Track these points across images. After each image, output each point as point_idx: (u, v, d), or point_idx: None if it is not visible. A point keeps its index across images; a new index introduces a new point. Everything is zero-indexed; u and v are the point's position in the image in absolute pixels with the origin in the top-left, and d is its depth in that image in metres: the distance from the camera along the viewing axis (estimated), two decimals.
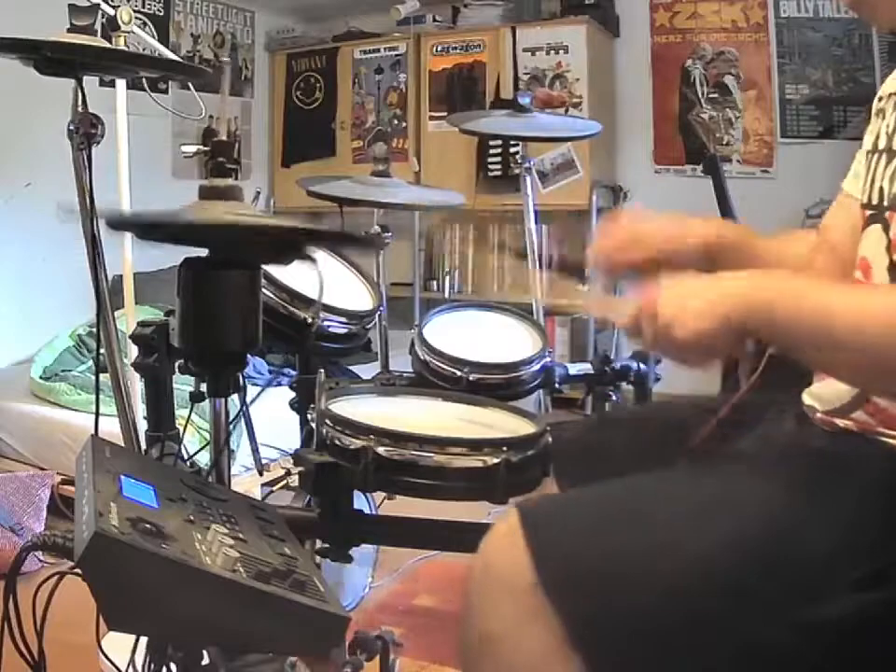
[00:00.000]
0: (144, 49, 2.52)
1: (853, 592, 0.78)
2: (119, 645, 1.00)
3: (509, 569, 0.82)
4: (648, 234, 1.11)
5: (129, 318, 1.90)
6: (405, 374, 1.69)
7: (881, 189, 0.94)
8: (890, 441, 0.87)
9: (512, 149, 3.89)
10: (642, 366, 1.77)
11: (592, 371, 1.78)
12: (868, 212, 0.97)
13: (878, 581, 0.78)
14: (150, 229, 1.05)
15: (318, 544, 1.29)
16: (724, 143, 3.99)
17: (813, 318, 0.80)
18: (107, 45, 1.48)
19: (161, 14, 3.98)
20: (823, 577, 0.79)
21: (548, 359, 1.67)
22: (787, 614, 0.78)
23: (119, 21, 1.67)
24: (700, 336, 0.84)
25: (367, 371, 2.07)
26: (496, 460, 1.12)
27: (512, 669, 0.82)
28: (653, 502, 0.86)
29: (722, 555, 0.80)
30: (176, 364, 1.27)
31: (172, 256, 1.05)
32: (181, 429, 1.37)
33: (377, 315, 1.68)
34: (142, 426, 1.61)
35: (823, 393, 0.96)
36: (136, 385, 1.74)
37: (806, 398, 1.00)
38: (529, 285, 2.34)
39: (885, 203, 0.93)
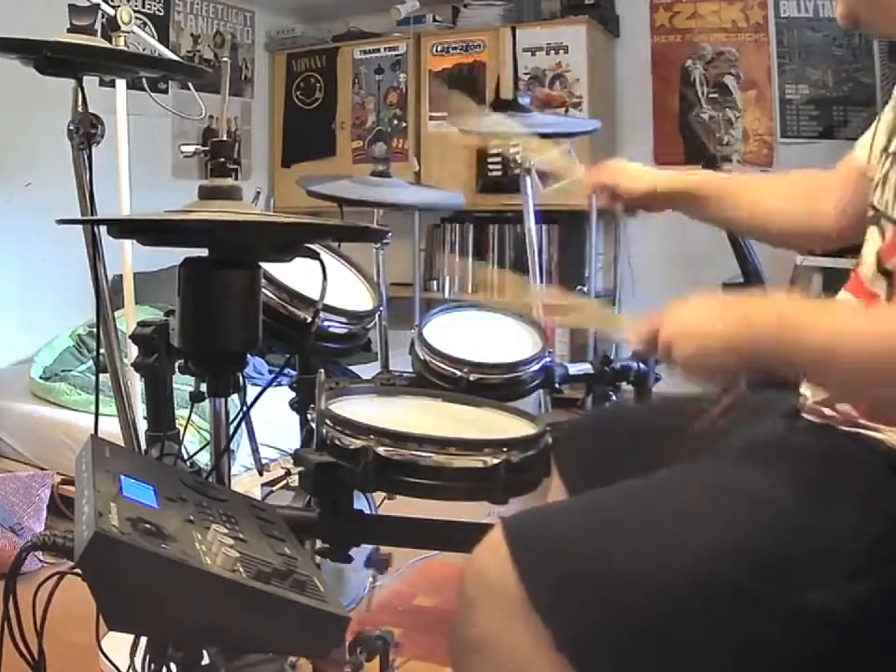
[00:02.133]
0: (144, 49, 2.52)
1: (847, 584, 0.78)
2: (119, 645, 1.00)
3: (497, 581, 0.83)
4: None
5: (129, 318, 1.91)
6: (405, 374, 1.69)
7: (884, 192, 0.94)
8: (872, 433, 0.88)
9: (512, 149, 3.89)
10: (642, 366, 1.77)
11: (592, 371, 1.78)
12: (870, 212, 0.97)
13: (870, 572, 0.78)
14: (152, 234, 1.06)
15: (318, 544, 1.28)
16: (724, 143, 3.99)
17: (817, 349, 0.82)
18: (107, 45, 1.48)
19: (161, 14, 3.98)
20: (818, 572, 0.79)
21: (548, 359, 1.67)
22: (783, 610, 0.78)
23: (119, 21, 1.66)
24: (699, 360, 0.87)
25: (367, 370, 2.07)
26: (496, 460, 1.12)
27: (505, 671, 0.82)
28: (640, 505, 0.87)
29: (715, 553, 0.80)
30: (176, 364, 1.27)
31: (172, 256, 1.05)
32: (181, 429, 1.37)
33: (377, 315, 1.67)
34: (142, 426, 1.61)
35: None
36: (136, 385, 1.73)
37: (802, 387, 1.01)
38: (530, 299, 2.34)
39: (880, 209, 0.94)
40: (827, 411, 0.94)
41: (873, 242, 0.94)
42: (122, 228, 1.15)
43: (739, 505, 0.84)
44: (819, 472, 0.86)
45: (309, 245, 1.09)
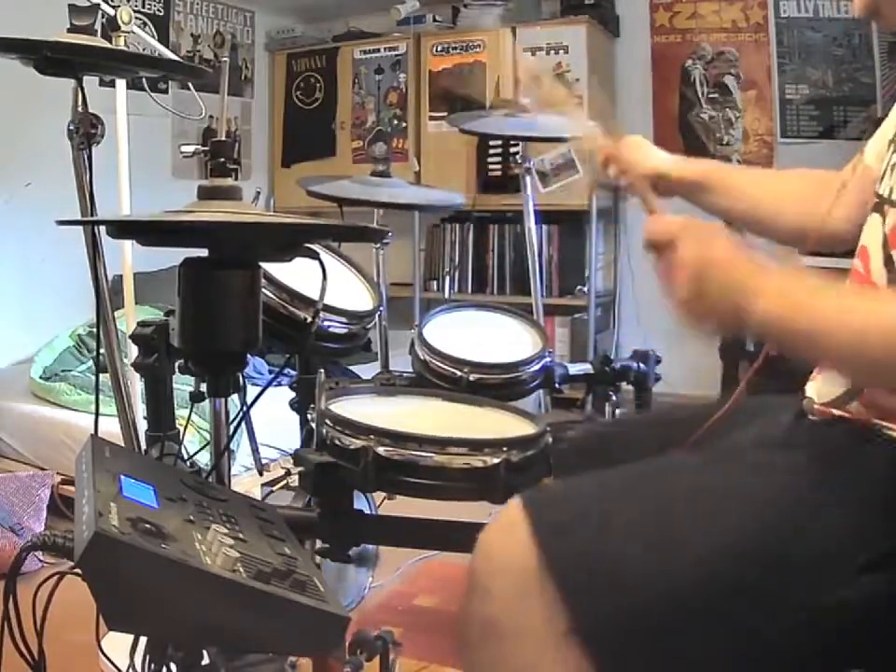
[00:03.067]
0: (144, 49, 2.51)
1: (856, 581, 0.78)
2: (119, 645, 1.00)
3: (510, 554, 0.82)
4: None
5: (129, 318, 1.90)
6: (405, 374, 1.69)
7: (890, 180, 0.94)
8: (887, 430, 0.87)
9: (512, 149, 3.89)
10: (642, 366, 1.77)
11: (592, 371, 1.78)
12: (874, 199, 0.97)
13: (880, 568, 0.78)
14: (152, 234, 1.06)
15: (318, 544, 1.29)
16: (724, 143, 3.99)
17: (809, 332, 0.82)
18: (107, 45, 1.48)
19: (161, 14, 3.98)
20: (826, 569, 0.79)
21: (548, 359, 1.67)
22: (791, 607, 0.78)
23: (119, 21, 1.66)
24: (702, 293, 0.88)
25: (367, 370, 2.07)
26: (496, 460, 1.12)
27: (515, 652, 0.81)
28: (657, 494, 0.87)
29: (727, 551, 0.80)
30: (176, 364, 1.27)
31: (172, 256, 1.06)
32: (181, 429, 1.37)
33: (377, 315, 1.67)
34: (142, 426, 1.61)
35: (821, 385, 0.97)
36: (136, 385, 1.73)
37: (808, 389, 1.01)
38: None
39: (885, 195, 0.93)
40: (836, 412, 0.93)
41: (874, 229, 0.94)
42: (122, 228, 1.15)
43: (741, 505, 0.84)
44: (821, 472, 0.86)
45: (309, 245, 1.09)
